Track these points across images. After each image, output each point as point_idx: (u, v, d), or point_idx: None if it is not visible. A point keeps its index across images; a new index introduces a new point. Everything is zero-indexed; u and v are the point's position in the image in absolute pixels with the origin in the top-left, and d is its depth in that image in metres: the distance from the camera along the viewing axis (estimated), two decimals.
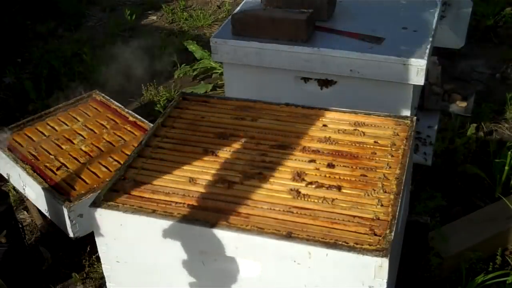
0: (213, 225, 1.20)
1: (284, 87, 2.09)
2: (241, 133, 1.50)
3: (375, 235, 1.17)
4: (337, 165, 1.36)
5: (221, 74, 3.09)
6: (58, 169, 2.22)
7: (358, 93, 2.00)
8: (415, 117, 1.55)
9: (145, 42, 3.66)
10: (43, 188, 2.14)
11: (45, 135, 2.39)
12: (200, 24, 3.93)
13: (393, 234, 1.16)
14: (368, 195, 1.27)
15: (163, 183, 1.34)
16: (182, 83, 3.31)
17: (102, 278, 2.08)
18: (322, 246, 1.14)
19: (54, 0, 4.08)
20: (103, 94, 2.76)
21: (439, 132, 2.57)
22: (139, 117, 2.59)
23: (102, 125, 2.53)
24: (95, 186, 2.11)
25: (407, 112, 1.96)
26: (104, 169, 2.20)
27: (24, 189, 2.31)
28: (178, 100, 1.65)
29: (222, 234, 1.19)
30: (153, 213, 1.24)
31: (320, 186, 1.30)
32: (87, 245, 2.16)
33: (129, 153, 1.38)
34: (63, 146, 2.33)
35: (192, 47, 3.43)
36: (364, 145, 1.43)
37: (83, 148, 2.32)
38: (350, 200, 1.26)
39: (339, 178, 1.33)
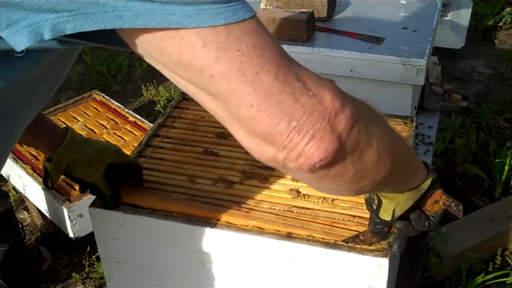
0: (213, 225, 1.20)
1: None
2: None
3: None
4: None
5: None
6: None
7: (358, 93, 1.99)
8: (415, 117, 1.55)
9: None
10: (43, 188, 2.15)
11: None
12: None
13: None
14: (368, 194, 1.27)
15: (163, 183, 1.34)
16: None
17: (102, 278, 2.09)
18: (322, 246, 1.14)
19: None
20: (103, 94, 2.77)
21: (439, 132, 2.57)
22: (139, 117, 2.59)
23: (102, 125, 2.53)
24: None
25: (407, 112, 1.96)
26: None
27: (24, 189, 2.31)
28: (178, 100, 1.65)
29: (222, 234, 1.19)
30: (153, 213, 1.24)
31: None
32: (87, 245, 2.16)
33: (129, 153, 1.38)
34: None
35: None
36: None
37: None
38: (350, 200, 1.26)
39: None
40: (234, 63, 0.67)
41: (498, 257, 2.09)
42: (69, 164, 1.23)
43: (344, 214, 1.22)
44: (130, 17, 0.65)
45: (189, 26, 0.65)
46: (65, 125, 1.28)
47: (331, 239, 1.16)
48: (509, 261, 2.12)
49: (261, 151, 0.72)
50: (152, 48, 0.69)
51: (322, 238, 1.16)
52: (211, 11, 0.66)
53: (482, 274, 2.01)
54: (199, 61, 0.67)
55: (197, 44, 0.66)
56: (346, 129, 0.73)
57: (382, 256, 1.11)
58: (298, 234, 1.17)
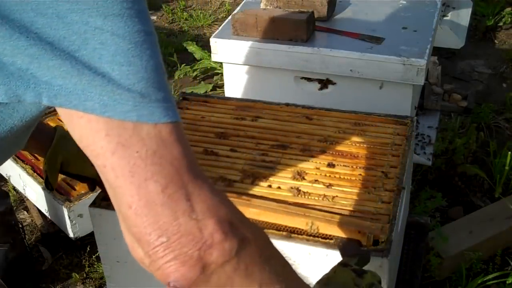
0: None
1: (284, 87, 2.09)
2: (241, 133, 1.50)
3: None
4: (337, 165, 1.36)
5: (221, 74, 3.09)
6: None
7: (358, 93, 2.00)
8: (415, 117, 1.55)
9: None
10: (43, 188, 2.14)
11: None
12: (200, 24, 3.93)
13: (393, 234, 1.16)
14: (368, 193, 1.27)
15: None
16: (182, 83, 3.31)
17: (102, 278, 2.08)
18: (322, 247, 1.14)
19: None
20: None
21: (439, 132, 2.57)
22: None
23: None
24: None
25: (407, 112, 1.96)
26: None
27: (24, 189, 2.31)
28: (178, 100, 1.65)
29: None
30: None
31: (320, 184, 1.30)
32: (87, 245, 2.16)
33: None
34: None
35: (192, 47, 3.43)
36: (364, 145, 1.43)
37: None
38: (351, 197, 1.26)
39: (339, 177, 1.33)
40: (128, 162, 0.66)
41: (498, 257, 2.09)
42: (63, 163, 1.23)
43: (345, 209, 1.23)
44: (49, 95, 0.66)
45: (102, 115, 0.65)
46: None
47: (331, 239, 1.16)
48: (509, 261, 2.12)
49: (133, 249, 0.74)
50: (64, 121, 0.70)
51: (322, 238, 1.16)
52: (126, 106, 0.65)
53: (482, 274, 2.00)
54: (97, 148, 0.67)
55: (101, 132, 0.66)
56: (216, 263, 0.69)
57: (382, 256, 1.11)
58: (300, 229, 1.18)
